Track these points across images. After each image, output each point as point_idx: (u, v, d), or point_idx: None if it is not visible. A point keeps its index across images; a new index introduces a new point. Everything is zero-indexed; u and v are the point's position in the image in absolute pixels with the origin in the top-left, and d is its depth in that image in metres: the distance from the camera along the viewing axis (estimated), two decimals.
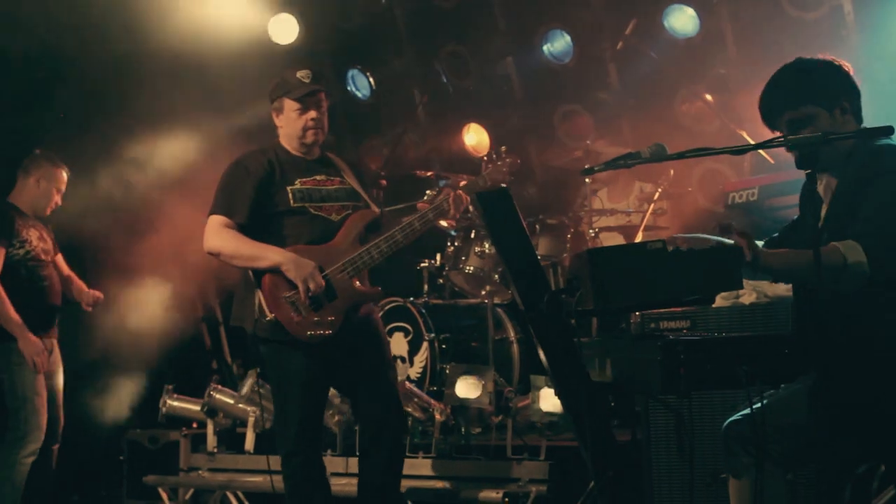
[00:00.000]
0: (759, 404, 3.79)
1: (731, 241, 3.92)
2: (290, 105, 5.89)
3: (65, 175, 7.49)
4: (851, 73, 4.28)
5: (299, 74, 5.90)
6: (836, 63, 4.28)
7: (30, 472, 7.08)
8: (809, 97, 4.17)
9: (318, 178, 5.90)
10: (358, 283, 5.77)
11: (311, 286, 5.61)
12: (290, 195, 5.82)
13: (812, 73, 4.24)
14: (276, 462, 5.85)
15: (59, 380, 7.39)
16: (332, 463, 6.90)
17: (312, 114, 5.88)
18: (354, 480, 6.03)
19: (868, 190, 4.02)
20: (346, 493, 6.46)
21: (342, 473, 7.14)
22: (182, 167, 9.18)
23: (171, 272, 7.93)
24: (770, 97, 4.27)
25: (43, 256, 7.31)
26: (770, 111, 4.26)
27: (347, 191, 5.92)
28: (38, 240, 7.30)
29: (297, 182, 5.87)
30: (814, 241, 3.72)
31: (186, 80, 8.92)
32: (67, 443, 7.35)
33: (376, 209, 5.96)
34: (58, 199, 7.46)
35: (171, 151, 9.22)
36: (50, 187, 7.40)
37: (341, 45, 10.69)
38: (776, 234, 4.56)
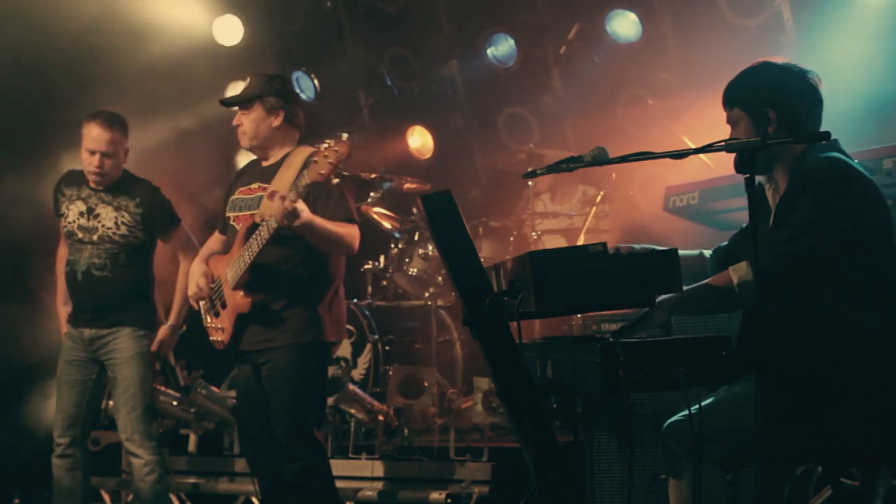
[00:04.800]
0: (697, 406, 3.83)
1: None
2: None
3: (95, 131, 6.41)
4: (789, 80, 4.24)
5: None
6: (772, 69, 4.27)
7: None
8: (736, 100, 4.24)
9: (253, 186, 5.75)
10: (241, 293, 5.55)
11: (193, 291, 5.78)
12: (227, 206, 5.88)
13: (747, 77, 4.27)
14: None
15: (117, 371, 6.63)
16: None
17: (235, 120, 5.82)
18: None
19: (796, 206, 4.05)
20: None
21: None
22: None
23: None
24: (723, 94, 4.32)
25: (80, 235, 6.50)
26: (723, 107, 4.31)
27: (260, 198, 5.59)
28: (77, 216, 6.49)
29: (237, 191, 5.85)
30: (754, 252, 3.72)
31: (130, 81, 8.86)
32: (7, 444, 7.26)
33: (263, 215, 5.42)
34: (94, 161, 6.41)
35: None
36: (84, 151, 6.48)
37: (286, 47, 10.65)
38: (725, 243, 4.57)
